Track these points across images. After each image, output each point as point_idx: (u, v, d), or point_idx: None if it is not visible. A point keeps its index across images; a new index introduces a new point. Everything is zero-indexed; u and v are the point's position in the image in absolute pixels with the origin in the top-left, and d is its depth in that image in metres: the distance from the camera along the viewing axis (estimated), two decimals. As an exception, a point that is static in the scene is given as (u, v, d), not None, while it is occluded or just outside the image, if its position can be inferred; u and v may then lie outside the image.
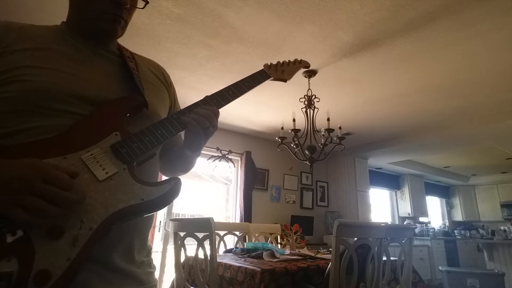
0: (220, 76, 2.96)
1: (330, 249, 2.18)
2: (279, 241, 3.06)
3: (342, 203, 5.28)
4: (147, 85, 0.75)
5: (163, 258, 3.64)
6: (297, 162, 3.49)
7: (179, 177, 0.64)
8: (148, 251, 0.73)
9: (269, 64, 0.96)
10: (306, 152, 2.79)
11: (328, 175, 5.60)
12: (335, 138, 2.74)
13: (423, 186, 7.09)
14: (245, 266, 1.67)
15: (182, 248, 1.83)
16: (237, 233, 2.87)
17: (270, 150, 4.83)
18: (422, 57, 2.59)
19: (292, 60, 1.04)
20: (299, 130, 2.79)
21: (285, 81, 0.99)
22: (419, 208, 6.74)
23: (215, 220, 1.72)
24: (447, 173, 7.20)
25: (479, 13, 2.06)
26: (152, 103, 0.72)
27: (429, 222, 6.96)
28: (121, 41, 0.81)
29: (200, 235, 1.72)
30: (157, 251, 3.64)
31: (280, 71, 0.97)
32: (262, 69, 0.93)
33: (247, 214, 4.20)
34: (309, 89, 2.89)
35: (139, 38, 2.38)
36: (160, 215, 3.81)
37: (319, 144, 2.77)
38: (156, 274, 0.77)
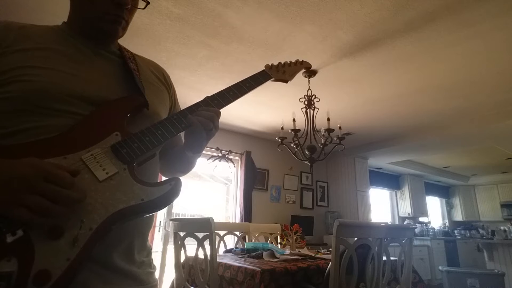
0: (220, 76, 2.97)
1: (330, 249, 2.18)
2: (279, 241, 3.06)
3: (342, 203, 5.28)
4: (148, 86, 0.75)
5: (163, 258, 3.64)
6: (297, 162, 3.49)
7: (179, 177, 0.64)
8: (148, 251, 0.73)
9: (270, 64, 0.96)
10: (306, 152, 2.79)
11: (328, 175, 5.60)
12: (335, 138, 2.74)
13: (423, 186, 7.09)
14: (245, 266, 1.67)
15: (182, 248, 1.83)
16: (237, 233, 2.87)
17: (270, 150, 4.83)
18: (422, 57, 2.59)
19: (293, 61, 1.03)
20: (299, 130, 2.79)
21: (286, 82, 0.98)
22: (419, 208, 6.74)
23: (215, 220, 1.72)
24: (447, 173, 7.20)
25: (479, 13, 2.06)
26: (152, 104, 0.72)
27: (429, 222, 6.96)
28: (121, 41, 0.81)
29: (200, 235, 1.72)
30: (157, 251, 3.64)
31: (281, 72, 0.97)
32: (263, 70, 0.93)
33: (247, 214, 4.20)
34: (309, 89, 2.89)
35: (139, 38, 2.38)
36: (160, 215, 3.82)
37: (319, 144, 2.77)
38: (156, 274, 0.77)
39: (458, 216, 7.85)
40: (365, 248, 1.52)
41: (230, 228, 2.79)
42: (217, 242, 2.34)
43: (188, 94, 3.28)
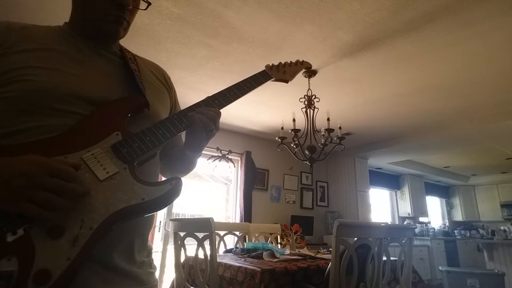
0: (220, 76, 2.97)
1: (330, 249, 2.18)
2: (279, 241, 3.06)
3: (342, 203, 5.28)
4: (148, 86, 0.75)
5: (163, 258, 3.64)
6: (297, 162, 3.49)
7: (179, 177, 0.64)
8: (148, 252, 0.73)
9: (270, 65, 0.96)
10: (306, 152, 2.79)
11: (328, 175, 5.60)
12: (335, 138, 2.74)
13: (423, 186, 7.09)
14: (245, 266, 1.67)
15: (182, 248, 1.83)
16: (237, 233, 2.87)
17: (270, 150, 4.83)
18: (422, 57, 2.59)
19: (293, 61, 1.03)
20: (299, 130, 2.79)
21: (286, 82, 0.99)
22: (419, 208, 6.74)
23: (215, 220, 1.72)
24: (447, 173, 7.20)
25: (479, 13, 2.06)
26: (153, 104, 0.72)
27: (429, 222, 6.96)
28: (121, 41, 0.81)
29: (200, 235, 1.72)
30: (157, 251, 3.64)
31: (281, 72, 0.97)
32: (264, 70, 0.93)
33: (247, 214, 4.20)
34: (309, 89, 2.90)
35: (139, 38, 2.38)
36: (160, 215, 3.82)
37: (319, 144, 2.77)
38: (156, 274, 0.77)
39: (458, 216, 7.85)
40: (365, 248, 1.52)
41: (230, 228, 2.80)
42: (217, 242, 2.34)
43: (188, 94, 3.28)
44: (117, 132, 0.63)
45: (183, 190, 0.63)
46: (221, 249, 2.55)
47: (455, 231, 6.99)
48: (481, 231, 6.76)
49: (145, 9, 0.75)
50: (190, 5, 2.05)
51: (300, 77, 2.89)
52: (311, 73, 2.87)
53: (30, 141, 0.56)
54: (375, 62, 2.69)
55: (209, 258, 1.64)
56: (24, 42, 0.64)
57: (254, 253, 2.08)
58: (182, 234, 1.84)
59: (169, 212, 3.86)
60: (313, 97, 2.87)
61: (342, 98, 3.43)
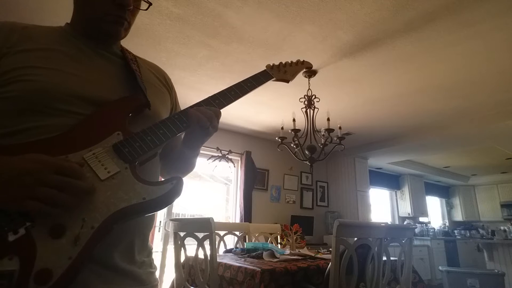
0: (220, 76, 2.97)
1: (330, 249, 2.18)
2: (279, 241, 3.06)
3: (342, 203, 5.28)
4: (149, 87, 0.75)
5: (163, 258, 3.64)
6: (297, 162, 3.49)
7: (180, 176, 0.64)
8: (149, 251, 0.73)
9: (271, 64, 0.96)
10: (306, 152, 2.79)
11: (328, 175, 5.60)
12: (335, 138, 2.74)
13: (423, 186, 7.09)
14: (245, 266, 1.67)
15: (182, 248, 1.83)
16: (237, 233, 2.87)
17: (270, 150, 4.83)
18: (422, 57, 2.59)
19: (294, 61, 1.04)
20: (299, 130, 2.79)
21: (287, 81, 0.99)
22: (419, 208, 6.74)
23: (215, 220, 1.72)
24: (447, 173, 7.21)
25: (479, 13, 2.06)
26: (154, 104, 0.72)
27: (429, 222, 6.96)
28: (121, 41, 0.81)
29: (200, 235, 1.72)
30: (157, 251, 3.64)
31: (282, 72, 0.97)
32: (265, 70, 0.93)
33: (247, 214, 4.20)
34: (309, 89, 2.90)
35: (139, 38, 2.38)
36: (160, 215, 3.82)
37: (319, 144, 2.77)
38: (156, 274, 0.77)
39: (458, 216, 7.85)
40: (365, 248, 1.52)
41: (230, 228, 2.80)
42: (217, 242, 2.34)
43: (188, 94, 3.28)
44: (118, 131, 0.63)
45: (183, 190, 0.63)
46: (221, 249, 2.55)
47: (455, 231, 6.99)
48: (481, 231, 6.76)
49: (146, 10, 0.75)
50: (190, 5, 2.05)
51: (300, 77, 2.89)
52: (311, 73, 2.87)
53: (30, 141, 0.57)
54: (375, 62, 2.69)
55: (209, 258, 1.64)
56: (26, 42, 0.64)
57: (254, 253, 2.08)
58: (182, 234, 1.84)
59: (169, 212, 3.86)
60: (313, 97, 2.88)
61: (342, 98, 3.43)
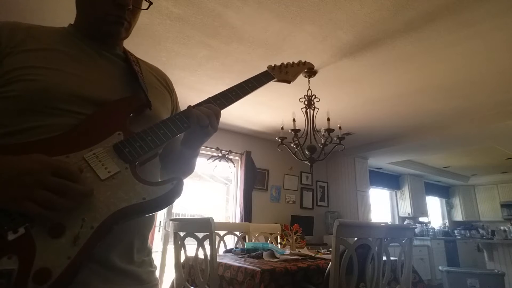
0: (220, 76, 2.97)
1: (330, 249, 2.18)
2: (279, 241, 3.06)
3: (342, 203, 5.28)
4: (150, 88, 0.75)
5: (163, 258, 3.64)
6: (297, 162, 3.49)
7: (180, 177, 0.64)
8: (148, 251, 0.73)
9: (272, 65, 0.96)
10: (306, 152, 2.79)
11: (328, 175, 5.60)
12: (335, 138, 2.74)
13: (423, 186, 7.09)
14: (245, 266, 1.67)
15: (182, 248, 1.83)
16: (237, 233, 2.87)
17: (270, 150, 4.83)
18: (422, 57, 2.59)
19: (296, 61, 1.04)
20: (299, 130, 2.79)
21: (289, 82, 0.99)
22: (419, 208, 6.74)
23: (215, 220, 1.72)
24: (447, 173, 7.20)
25: (479, 13, 2.06)
26: (155, 105, 0.72)
27: (429, 222, 6.96)
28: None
29: (200, 235, 1.72)
30: (157, 251, 3.64)
31: (284, 73, 0.97)
32: (266, 71, 0.93)
33: (247, 214, 4.20)
34: (309, 89, 2.90)
35: (139, 38, 2.38)
36: (160, 215, 3.82)
37: (319, 144, 2.77)
38: (156, 274, 0.77)
39: (458, 216, 7.85)
40: (365, 248, 1.52)
41: (230, 228, 2.80)
42: (217, 242, 2.34)
43: (188, 94, 3.28)
44: (119, 131, 0.63)
45: (184, 190, 0.63)
46: (221, 249, 2.55)
47: (455, 231, 6.99)
48: (481, 231, 6.76)
49: (146, 9, 0.75)
50: (190, 5, 2.05)
51: (300, 77, 2.86)
52: (311, 73, 2.87)
53: (30, 141, 0.57)
54: (375, 62, 2.69)
55: (209, 258, 1.64)
56: (29, 42, 0.64)
57: (254, 253, 2.08)
58: (182, 234, 1.84)
59: (169, 212, 3.86)
60: (313, 97, 2.88)
61: (342, 98, 3.43)
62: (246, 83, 0.84)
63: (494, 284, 3.87)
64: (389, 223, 3.94)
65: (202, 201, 4.28)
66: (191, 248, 1.80)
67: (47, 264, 0.48)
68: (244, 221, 4.07)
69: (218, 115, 0.73)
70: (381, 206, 6.83)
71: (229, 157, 4.42)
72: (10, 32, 0.64)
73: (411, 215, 6.59)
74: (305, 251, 2.41)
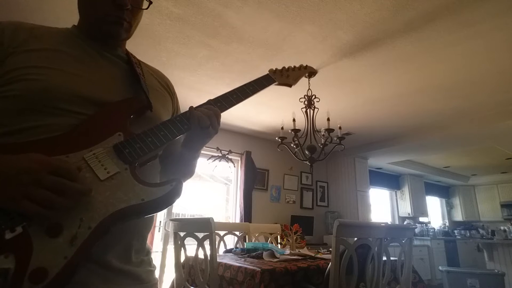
0: (220, 76, 2.96)
1: (330, 249, 2.18)
2: (279, 241, 3.06)
3: (342, 203, 5.28)
4: (152, 91, 0.76)
5: (163, 258, 3.64)
6: (297, 162, 3.49)
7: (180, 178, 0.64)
8: (147, 251, 0.73)
9: (274, 69, 0.97)
10: (306, 152, 2.79)
11: (328, 175, 5.60)
12: (335, 138, 2.74)
13: (423, 186, 7.09)
14: (245, 266, 1.67)
15: (182, 248, 1.83)
16: (237, 233, 2.87)
17: (270, 150, 4.83)
18: (422, 57, 2.59)
19: (297, 65, 1.05)
20: (299, 130, 2.79)
21: (290, 86, 1.00)
22: (419, 208, 6.74)
23: (215, 220, 1.72)
24: (447, 173, 7.20)
25: (479, 13, 2.06)
26: (155, 107, 0.72)
27: (429, 222, 6.96)
28: (121, 42, 0.81)
29: (200, 235, 1.72)
30: (157, 251, 3.64)
31: (285, 76, 0.98)
32: (267, 74, 0.94)
33: (247, 214, 4.20)
34: (309, 89, 2.90)
35: (139, 38, 2.38)
36: (160, 215, 3.81)
37: (319, 144, 2.77)
38: (156, 274, 0.77)
39: (458, 216, 7.85)
40: (365, 248, 1.52)
41: (230, 228, 2.79)
42: (217, 242, 2.34)
43: (188, 94, 3.28)
44: (119, 132, 0.63)
45: (183, 191, 0.62)
46: (221, 249, 2.55)
47: (455, 231, 6.99)
48: (481, 231, 6.76)
49: (146, 8, 0.75)
50: (190, 5, 2.05)
51: (300, 77, 2.89)
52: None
53: (30, 140, 0.57)
54: (375, 62, 2.69)
55: (209, 258, 1.64)
56: (32, 42, 0.65)
57: (254, 253, 2.08)
58: (182, 234, 1.84)
59: (169, 212, 3.86)
60: (313, 97, 2.88)
61: (342, 98, 3.43)
62: (247, 86, 0.84)
63: (494, 284, 3.87)
64: (389, 223, 3.94)
65: (202, 201, 4.28)
66: (191, 248, 1.80)
67: (44, 264, 0.48)
68: (244, 221, 4.07)
69: (218, 117, 0.73)
70: (381, 206, 6.83)
71: (229, 157, 4.42)
72: (13, 32, 0.64)
73: (411, 215, 6.59)
74: (305, 251, 2.41)
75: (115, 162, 0.60)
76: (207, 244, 1.69)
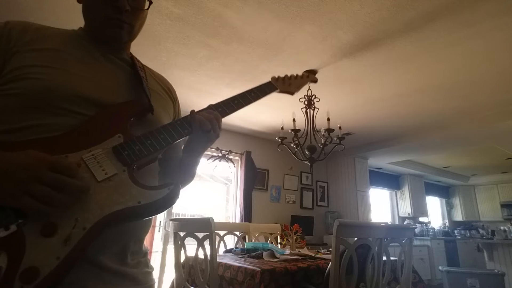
0: (220, 76, 2.96)
1: (330, 249, 2.18)
2: (279, 241, 3.06)
3: (342, 203, 5.28)
4: (154, 94, 0.76)
5: (163, 258, 3.64)
6: (297, 162, 3.49)
7: (177, 182, 0.64)
8: (145, 252, 0.73)
9: (276, 76, 0.98)
10: (306, 152, 2.79)
11: (328, 175, 5.60)
12: (335, 138, 2.74)
13: (423, 186, 7.09)
14: (245, 266, 1.67)
15: (182, 248, 1.83)
16: (237, 233, 2.87)
17: (270, 150, 4.83)
18: (422, 57, 2.59)
19: (300, 74, 1.06)
20: (299, 130, 2.79)
21: (292, 93, 1.01)
22: (419, 208, 6.73)
23: (215, 220, 1.72)
24: (447, 173, 7.20)
25: (479, 13, 2.06)
26: (156, 110, 0.72)
27: (429, 222, 6.95)
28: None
29: (200, 235, 1.72)
30: (157, 251, 3.64)
31: (287, 84, 0.99)
32: (269, 81, 0.95)
33: (247, 214, 4.20)
34: (309, 89, 2.89)
35: (139, 38, 2.35)
36: (160, 215, 3.81)
37: (319, 144, 2.77)
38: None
39: (458, 216, 7.85)
40: (365, 248, 1.52)
41: (230, 228, 2.79)
42: (217, 242, 2.34)
43: (188, 94, 3.28)
44: (119, 134, 0.63)
45: (181, 195, 0.62)
46: (221, 249, 2.55)
47: (455, 231, 6.99)
48: (481, 231, 6.76)
49: (146, 9, 0.75)
50: (190, 5, 2.05)
51: (300, 77, 2.89)
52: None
53: (30, 139, 0.57)
54: (375, 62, 2.69)
55: (209, 258, 1.64)
56: (37, 42, 0.65)
57: (254, 253, 2.08)
58: (182, 234, 1.83)
59: (169, 212, 3.86)
60: (313, 97, 2.87)
61: (342, 98, 3.43)
62: (249, 93, 0.85)
63: (494, 284, 3.87)
64: (389, 223, 3.94)
65: (202, 201, 4.28)
66: (191, 248, 1.80)
67: (36, 263, 0.48)
68: (244, 221, 4.07)
69: (219, 121, 0.74)
70: (381, 206, 6.83)
71: (229, 157, 4.42)
72: (21, 32, 0.65)
73: (411, 215, 6.59)
74: (305, 251, 2.41)
75: (114, 163, 0.60)
76: (207, 244, 1.69)
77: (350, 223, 1.53)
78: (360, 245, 1.50)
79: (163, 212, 3.83)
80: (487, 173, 7.26)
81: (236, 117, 4.07)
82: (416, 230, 6.39)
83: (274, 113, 3.87)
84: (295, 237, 2.63)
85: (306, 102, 2.87)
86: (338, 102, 3.51)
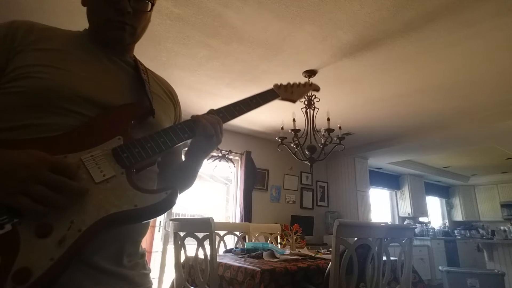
0: (220, 76, 2.96)
1: (330, 249, 2.18)
2: (279, 241, 3.06)
3: (342, 203, 5.28)
4: (155, 97, 0.76)
5: (163, 258, 3.64)
6: (297, 162, 3.49)
7: (175, 186, 0.63)
8: (142, 254, 0.73)
9: (279, 84, 0.99)
10: (306, 152, 2.79)
11: (328, 175, 5.60)
12: (335, 138, 2.74)
13: (423, 186, 7.09)
14: (245, 266, 1.67)
15: (182, 248, 1.83)
16: (237, 233, 2.87)
17: (270, 150, 4.83)
18: (422, 57, 2.59)
19: (302, 82, 1.07)
20: (299, 130, 2.80)
21: (293, 101, 1.02)
22: (419, 208, 6.73)
23: (215, 220, 1.72)
24: (447, 173, 7.20)
25: (479, 13, 2.06)
26: (158, 114, 0.72)
27: (429, 222, 6.95)
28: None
29: (200, 235, 1.72)
30: (157, 251, 3.64)
31: (289, 92, 0.99)
32: (272, 89, 0.95)
33: (247, 214, 4.20)
34: (309, 89, 2.89)
35: (139, 38, 2.38)
36: (160, 215, 3.81)
37: (319, 144, 2.77)
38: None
39: (458, 216, 7.85)
40: (365, 248, 1.52)
41: (230, 228, 2.79)
42: (217, 242, 2.34)
43: (188, 94, 3.28)
44: (119, 136, 0.63)
45: (178, 200, 0.62)
46: (221, 249, 2.55)
47: (455, 231, 6.99)
48: (481, 231, 6.75)
49: (149, 11, 0.75)
50: (190, 5, 2.05)
51: (300, 77, 2.89)
52: (311, 73, 2.86)
53: (29, 138, 0.57)
54: (375, 62, 2.69)
55: (209, 258, 1.64)
56: (42, 42, 0.66)
57: (254, 253, 2.08)
58: (182, 234, 1.83)
59: (169, 212, 3.86)
60: (313, 97, 2.88)
61: (342, 98, 3.43)
62: (250, 99, 0.85)
63: (494, 284, 3.87)
64: (389, 223, 3.94)
65: (202, 201, 4.28)
66: (191, 248, 1.80)
67: (29, 264, 0.47)
68: (244, 221, 4.07)
69: (221, 125, 0.74)
70: (381, 206, 6.83)
71: (229, 157, 4.42)
72: (26, 31, 0.66)
73: (411, 215, 6.59)
74: (305, 251, 2.41)
75: (112, 165, 0.59)
76: (207, 244, 1.69)
77: (350, 223, 1.53)
78: (360, 245, 1.50)
79: (163, 212, 3.85)
80: (487, 173, 7.26)
81: (236, 117, 4.07)
82: (416, 230, 6.39)
83: (274, 113, 3.87)
84: (295, 237, 2.63)
85: (306, 102, 2.87)
86: (338, 102, 3.51)
